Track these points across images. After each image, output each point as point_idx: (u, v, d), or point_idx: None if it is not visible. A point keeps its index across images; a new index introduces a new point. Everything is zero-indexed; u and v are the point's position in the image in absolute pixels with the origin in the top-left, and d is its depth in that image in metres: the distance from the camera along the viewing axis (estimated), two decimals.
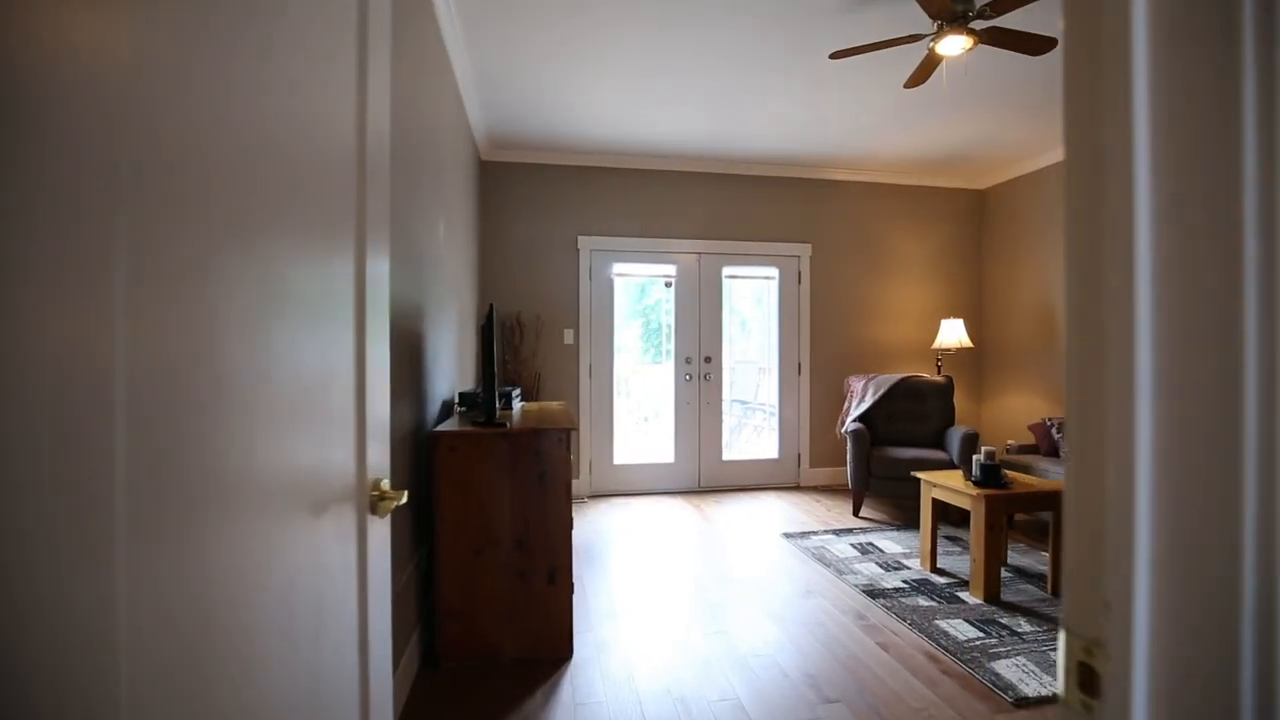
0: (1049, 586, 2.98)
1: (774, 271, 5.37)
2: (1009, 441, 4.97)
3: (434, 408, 2.80)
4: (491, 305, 2.40)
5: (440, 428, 2.34)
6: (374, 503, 1.06)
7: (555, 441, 2.36)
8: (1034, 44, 2.78)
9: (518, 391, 3.37)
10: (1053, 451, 4.07)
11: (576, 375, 5.01)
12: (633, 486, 5.15)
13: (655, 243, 5.11)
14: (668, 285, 5.25)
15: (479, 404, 2.86)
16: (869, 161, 5.16)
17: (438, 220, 2.94)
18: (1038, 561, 3.41)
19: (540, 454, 2.35)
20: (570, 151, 4.89)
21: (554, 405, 3.34)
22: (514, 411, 3.00)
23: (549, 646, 2.39)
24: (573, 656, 2.41)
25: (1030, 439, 4.84)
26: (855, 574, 3.24)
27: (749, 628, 2.66)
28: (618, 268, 5.10)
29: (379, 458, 1.11)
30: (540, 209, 4.95)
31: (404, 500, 1.10)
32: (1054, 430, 4.03)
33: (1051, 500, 2.93)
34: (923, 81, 3.13)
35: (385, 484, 1.11)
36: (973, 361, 5.67)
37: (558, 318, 4.98)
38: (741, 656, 2.41)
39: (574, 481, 4.92)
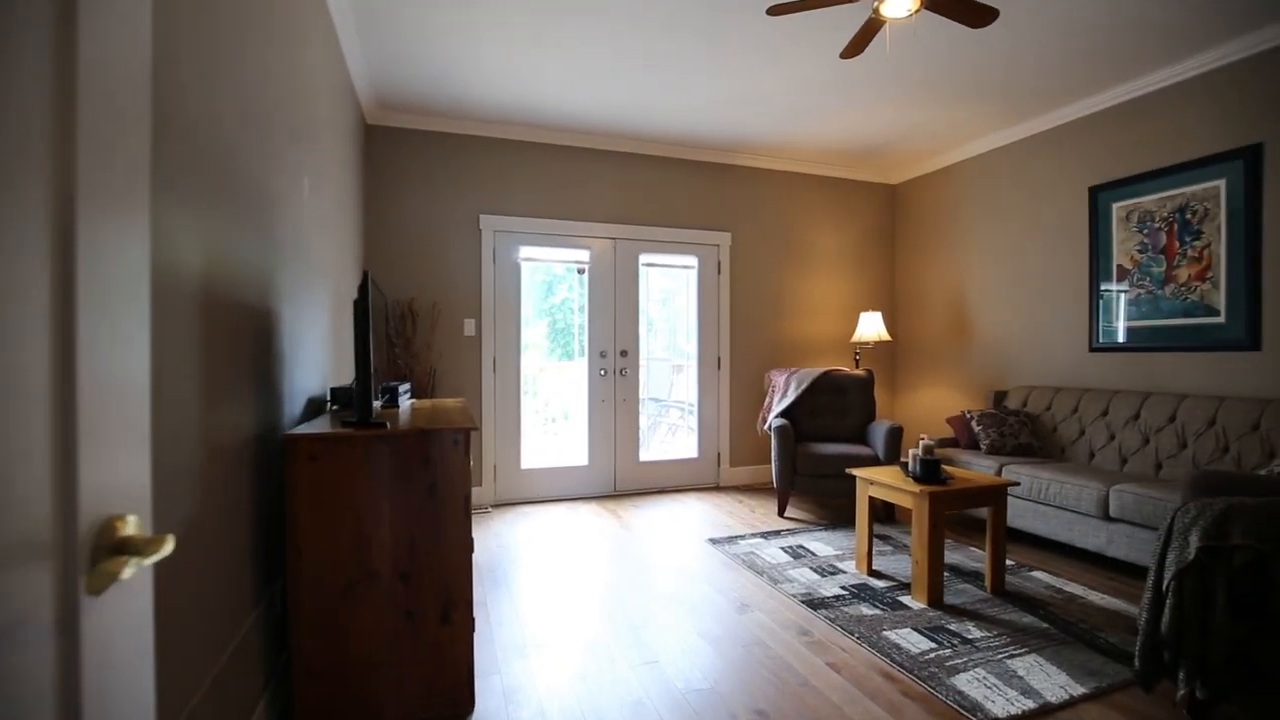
0: (987, 585, 2.85)
1: (693, 260, 5.09)
2: (922, 435, 4.97)
3: (295, 406, 2.23)
4: (367, 273, 1.89)
5: (297, 430, 1.81)
6: (96, 560, 0.58)
7: (450, 445, 1.89)
8: (977, 14, 2.62)
9: (407, 387, 2.84)
10: (973, 444, 4.04)
11: (479, 370, 4.47)
12: (543, 493, 4.68)
13: (567, 225, 4.67)
14: (580, 272, 4.83)
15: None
16: (789, 150, 5.00)
17: (301, 178, 2.37)
18: (969, 558, 3.31)
19: (431, 460, 1.87)
20: (472, 120, 4.36)
21: (450, 403, 2.84)
22: (402, 410, 2.48)
23: (444, 700, 1.91)
24: (474, 710, 1.95)
25: (948, 432, 4.86)
26: (791, 582, 2.97)
27: (683, 654, 2.31)
28: (525, 251, 4.62)
29: (124, 481, 0.64)
30: (437, 183, 4.38)
31: (167, 550, 0.63)
32: (973, 423, 4.00)
33: (992, 495, 2.80)
34: (860, 50, 2.92)
35: (133, 524, 0.63)
36: (887, 355, 5.67)
37: (457, 305, 4.42)
38: (679, 693, 2.04)
39: (475, 490, 4.40)
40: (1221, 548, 1.79)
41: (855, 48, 2.92)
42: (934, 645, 2.32)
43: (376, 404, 2.28)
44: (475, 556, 3.41)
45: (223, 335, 1.50)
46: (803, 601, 2.74)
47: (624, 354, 4.89)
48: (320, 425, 1.95)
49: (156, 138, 1.12)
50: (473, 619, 1.95)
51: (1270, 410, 3.00)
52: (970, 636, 2.39)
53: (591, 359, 4.82)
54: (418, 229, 4.33)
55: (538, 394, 6.27)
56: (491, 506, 4.47)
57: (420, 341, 4.31)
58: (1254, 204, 3.22)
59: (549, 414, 6.58)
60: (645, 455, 5.04)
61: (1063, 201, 4.19)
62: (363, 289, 1.87)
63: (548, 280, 5.58)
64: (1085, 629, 2.45)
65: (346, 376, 3.32)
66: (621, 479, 4.88)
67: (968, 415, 4.07)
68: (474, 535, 3.79)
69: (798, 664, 2.23)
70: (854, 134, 4.64)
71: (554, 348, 5.80)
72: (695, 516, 4.21)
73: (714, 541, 3.62)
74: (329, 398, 2.75)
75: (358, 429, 1.83)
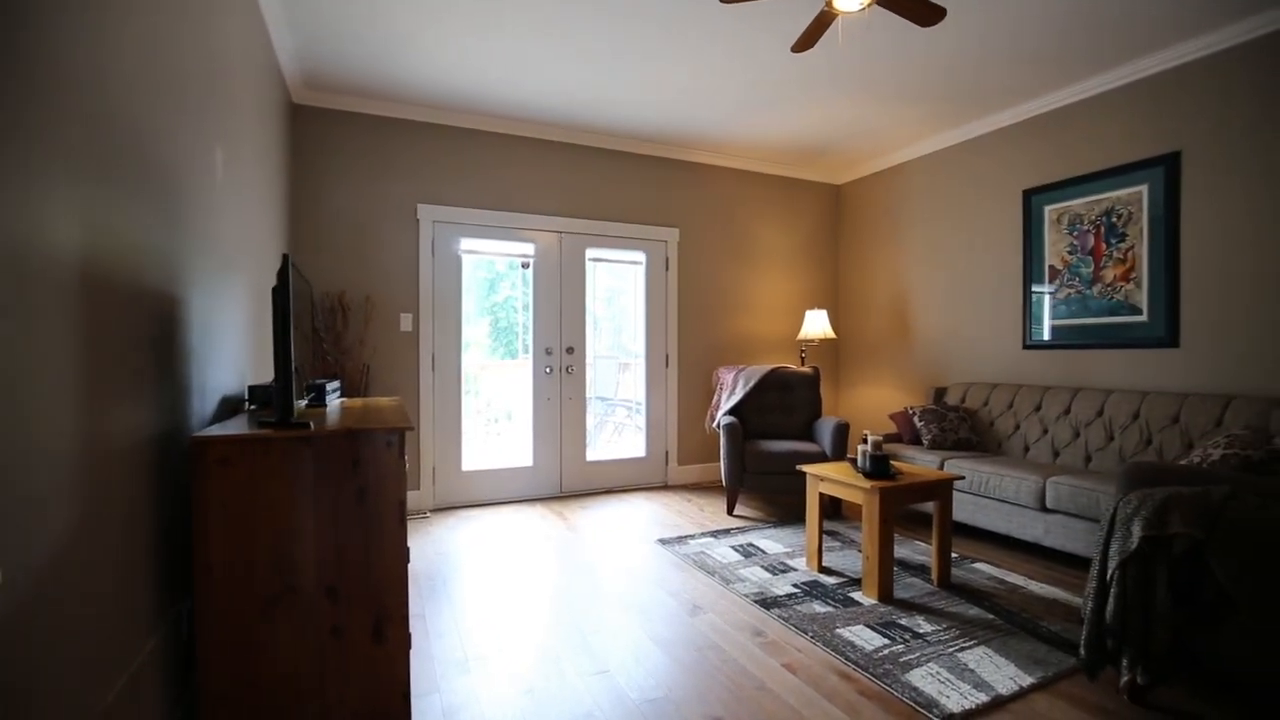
0: (934, 578, 2.88)
1: (641, 256, 5.01)
2: (867, 431, 5.05)
3: (206, 405, 2.01)
4: (287, 256, 1.70)
5: (206, 432, 1.61)
6: None
7: (383, 446, 1.73)
8: (926, 12, 2.63)
9: (336, 385, 2.64)
10: (915, 440, 4.12)
11: (416, 367, 4.25)
12: (486, 496, 4.49)
13: (511, 217, 4.50)
14: (525, 266, 4.67)
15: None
16: (737, 147, 4.98)
17: (213, 153, 2.14)
18: (914, 552, 3.35)
19: (361, 463, 1.70)
20: (410, 104, 4.13)
21: (384, 401, 2.65)
22: (330, 409, 2.28)
23: None
24: None
25: (891, 428, 4.95)
26: (743, 581, 2.93)
27: (635, 661, 2.21)
28: (466, 244, 4.42)
29: None
30: (372, 169, 4.13)
31: None
32: (916, 418, 4.07)
33: (938, 489, 2.83)
34: (811, 44, 2.89)
35: None
36: (830, 353, 5.75)
37: (393, 299, 4.19)
38: (633, 704, 1.95)
39: (413, 494, 4.18)
40: (1162, 536, 1.83)
41: (806, 41, 2.89)
42: (887, 641, 2.31)
43: (300, 402, 2.08)
44: (412, 565, 3.21)
45: (114, 324, 1.30)
46: (755, 601, 2.70)
47: (570, 351, 4.75)
48: (234, 426, 1.75)
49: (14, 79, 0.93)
50: (408, 634, 1.79)
51: (1188, 404, 3.16)
52: (921, 631, 2.40)
53: (536, 356, 4.67)
54: (350, 217, 4.07)
55: (479, 393, 6.04)
56: (430, 511, 4.25)
57: (352, 337, 4.05)
58: (1173, 209, 3.40)
59: (491, 414, 6.36)
60: (592, 455, 4.92)
61: (998, 203, 4.33)
62: (282, 274, 1.69)
63: (490, 278, 5.39)
64: (1028, 619, 2.50)
65: (268, 374, 3.07)
66: (568, 480, 4.75)
67: (910, 411, 4.15)
68: (410, 543, 3.58)
69: (753, 666, 2.17)
70: (804, 132, 4.67)
71: (496, 346, 5.60)
72: (644, 516, 4.13)
73: (664, 542, 3.54)
74: (247, 397, 2.51)
75: (277, 429, 1.64)
